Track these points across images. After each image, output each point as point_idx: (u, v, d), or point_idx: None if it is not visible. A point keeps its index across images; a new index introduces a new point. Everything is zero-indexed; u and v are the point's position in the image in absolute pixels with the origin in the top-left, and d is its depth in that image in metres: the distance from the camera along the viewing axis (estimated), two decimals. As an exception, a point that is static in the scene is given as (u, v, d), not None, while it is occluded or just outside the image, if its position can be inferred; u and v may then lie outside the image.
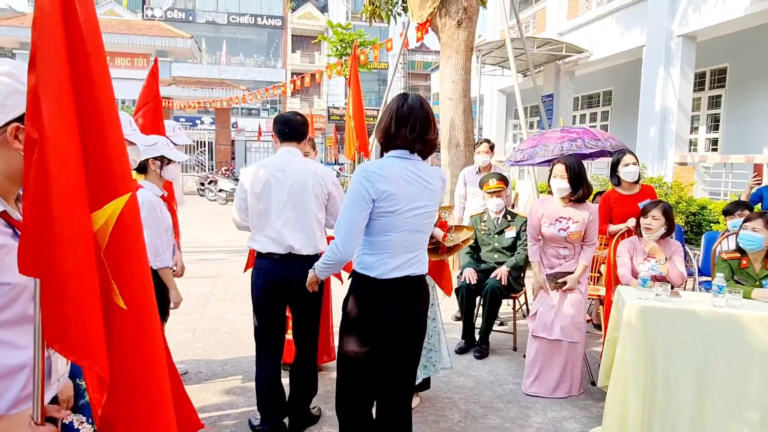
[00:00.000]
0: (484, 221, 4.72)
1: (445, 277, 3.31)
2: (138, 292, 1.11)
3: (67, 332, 1.04)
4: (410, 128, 2.13)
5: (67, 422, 1.84)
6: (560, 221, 3.77)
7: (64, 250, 1.02)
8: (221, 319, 5.21)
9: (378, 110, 32.33)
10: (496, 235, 4.66)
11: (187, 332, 4.77)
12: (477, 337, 4.53)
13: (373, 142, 9.51)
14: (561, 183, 3.66)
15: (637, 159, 4.43)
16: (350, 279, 2.30)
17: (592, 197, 5.93)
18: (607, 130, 13.93)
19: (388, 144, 2.19)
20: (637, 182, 4.46)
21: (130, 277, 1.10)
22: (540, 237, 3.88)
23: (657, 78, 9.35)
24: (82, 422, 1.68)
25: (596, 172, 11.26)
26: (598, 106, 14.67)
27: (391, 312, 2.18)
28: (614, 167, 4.47)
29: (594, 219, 3.78)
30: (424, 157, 2.24)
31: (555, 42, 11.64)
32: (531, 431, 3.19)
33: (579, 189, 3.66)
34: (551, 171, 3.79)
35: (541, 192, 10.66)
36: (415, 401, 3.30)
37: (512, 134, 18.87)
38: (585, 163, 11.80)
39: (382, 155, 2.24)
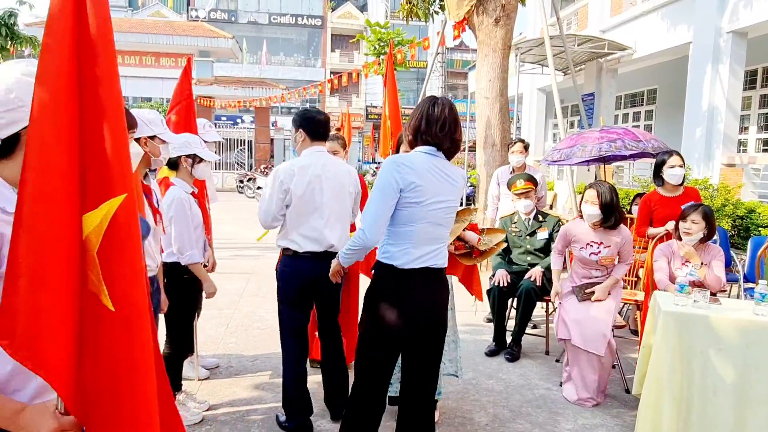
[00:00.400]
0: (515, 223, 4.63)
1: (476, 281, 3.25)
2: (128, 294, 1.10)
3: (14, 331, 1.03)
4: (440, 126, 2.22)
5: None
6: (591, 245, 3.78)
7: (30, 247, 1.04)
8: (254, 315, 5.29)
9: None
10: (527, 237, 4.57)
11: (220, 327, 4.86)
12: (508, 339, 4.47)
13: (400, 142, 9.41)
14: (592, 209, 3.66)
15: (683, 161, 4.28)
16: (373, 270, 2.33)
17: (632, 198, 5.79)
18: (651, 130, 13.52)
19: (417, 140, 2.27)
20: (681, 184, 4.31)
21: (121, 278, 1.10)
22: (566, 251, 3.94)
23: (704, 76, 9.00)
24: None
25: (638, 173, 10.94)
26: (642, 105, 14.24)
27: (410, 300, 2.24)
28: (658, 168, 4.33)
29: (627, 243, 3.78)
30: (449, 156, 2.31)
31: (597, 39, 11.35)
32: (560, 437, 3.12)
33: (610, 217, 3.67)
34: (583, 194, 3.78)
35: (580, 193, 10.43)
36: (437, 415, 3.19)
37: (552, 134, 18.51)
38: (626, 163, 11.44)
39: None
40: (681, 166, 4.27)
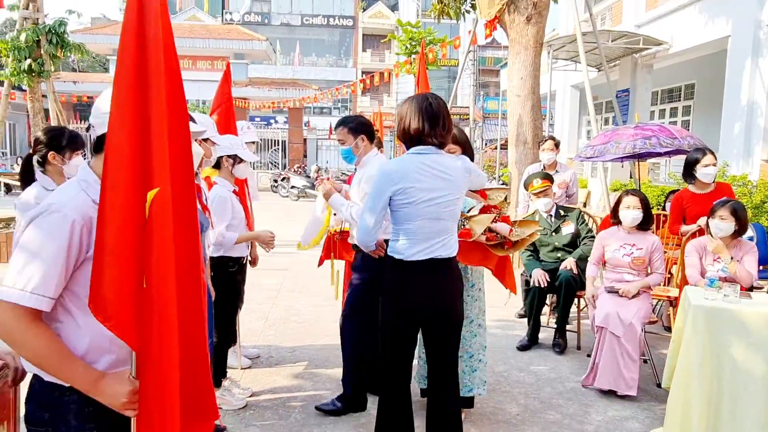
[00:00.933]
0: (538, 221, 4.69)
1: (509, 273, 3.26)
2: (159, 274, 1.27)
3: (100, 297, 1.25)
4: (443, 124, 2.33)
5: None
6: (624, 247, 3.94)
7: (107, 228, 1.24)
8: (291, 309, 5.48)
9: (450, 107, 32.24)
10: (553, 234, 4.63)
11: (259, 320, 5.07)
12: (541, 336, 4.56)
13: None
14: (636, 213, 3.88)
15: (716, 159, 4.28)
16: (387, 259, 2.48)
17: (665, 197, 5.77)
18: (688, 126, 13.25)
19: (417, 143, 2.34)
20: (712, 181, 4.31)
21: (155, 260, 1.27)
22: (602, 262, 4.06)
23: (743, 70, 8.82)
24: None
25: (674, 170, 10.76)
26: (679, 100, 13.95)
27: (418, 288, 2.37)
28: (691, 166, 4.33)
29: (658, 248, 3.93)
30: (444, 147, 2.40)
31: (631, 35, 11.20)
32: (590, 428, 3.19)
33: (649, 219, 3.94)
34: (619, 202, 3.94)
35: (614, 190, 10.32)
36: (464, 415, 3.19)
37: (586, 131, 18.28)
38: (662, 160, 11.22)
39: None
40: (714, 165, 4.27)
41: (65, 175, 2.56)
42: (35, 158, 2.57)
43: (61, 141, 2.55)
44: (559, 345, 4.44)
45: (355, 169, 3.32)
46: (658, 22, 11.69)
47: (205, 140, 2.52)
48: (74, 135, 2.64)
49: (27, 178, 2.57)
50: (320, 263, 3.84)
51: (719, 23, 9.68)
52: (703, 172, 4.24)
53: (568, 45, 11.60)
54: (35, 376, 1.40)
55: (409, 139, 2.37)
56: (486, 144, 28.04)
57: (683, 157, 5.69)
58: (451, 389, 2.52)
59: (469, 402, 3.26)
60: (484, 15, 8.53)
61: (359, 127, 3.12)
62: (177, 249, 1.29)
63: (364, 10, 36.87)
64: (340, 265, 3.82)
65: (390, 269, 2.43)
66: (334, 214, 3.45)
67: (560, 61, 13.54)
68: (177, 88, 1.31)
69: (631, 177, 6.58)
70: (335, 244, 3.66)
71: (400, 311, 2.41)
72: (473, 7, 9.59)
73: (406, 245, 2.35)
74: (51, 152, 2.54)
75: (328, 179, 2.98)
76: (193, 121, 1.89)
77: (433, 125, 2.30)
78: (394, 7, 37.52)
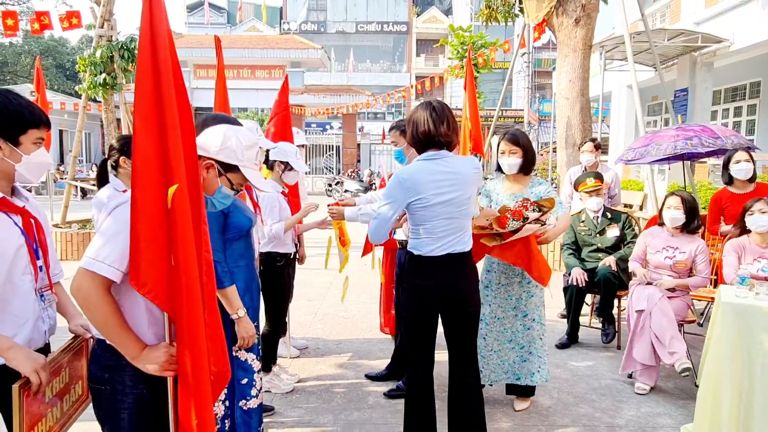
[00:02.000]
0: (583, 221, 4.74)
1: (536, 265, 3.16)
2: (182, 255, 1.54)
3: (138, 271, 1.53)
4: (447, 125, 2.52)
5: (242, 359, 2.45)
6: (667, 249, 3.94)
7: (138, 218, 1.52)
8: (339, 305, 5.75)
9: (502, 110, 31.91)
10: (597, 235, 4.67)
11: (309, 315, 5.37)
12: (581, 335, 4.64)
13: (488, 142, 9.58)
14: (676, 213, 3.87)
15: (751, 157, 4.22)
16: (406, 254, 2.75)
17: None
18: (753, 125, 12.71)
19: (428, 144, 2.54)
20: (752, 181, 4.24)
21: (178, 244, 1.54)
22: (645, 261, 4.08)
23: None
24: (254, 359, 2.45)
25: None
26: (744, 99, 13.38)
27: (436, 280, 2.56)
28: (726, 165, 4.30)
29: (703, 251, 3.90)
30: (452, 148, 2.58)
31: (689, 33, 10.90)
32: (621, 422, 3.27)
33: (693, 221, 3.90)
34: (664, 203, 3.98)
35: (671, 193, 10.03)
36: (526, 404, 3.46)
37: (644, 131, 17.76)
38: (709, 159, 10.75)
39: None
40: (748, 161, 4.21)
41: None
42: (109, 162, 2.93)
43: (131, 147, 2.90)
44: (607, 334, 4.62)
45: None
46: (719, 18, 11.32)
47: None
48: None
49: (102, 179, 2.93)
50: (364, 254, 4.28)
51: (784, 18, 9.30)
52: (736, 168, 4.20)
53: (622, 45, 11.38)
54: (98, 342, 1.70)
55: (419, 141, 2.56)
56: (541, 147, 27.62)
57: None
58: (471, 375, 2.70)
59: (522, 390, 3.43)
60: (532, 18, 8.58)
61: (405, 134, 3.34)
62: (194, 232, 1.56)
63: (418, 15, 37.14)
64: (379, 252, 4.21)
65: (410, 263, 2.65)
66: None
67: (615, 62, 13.31)
68: (184, 103, 1.60)
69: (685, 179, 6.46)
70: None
71: (419, 300, 2.61)
72: (521, 11, 9.63)
73: (424, 243, 2.56)
74: (122, 157, 2.90)
75: (336, 204, 3.19)
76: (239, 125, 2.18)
77: (437, 126, 2.50)
78: (447, 12, 37.62)
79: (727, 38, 10.79)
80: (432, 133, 2.51)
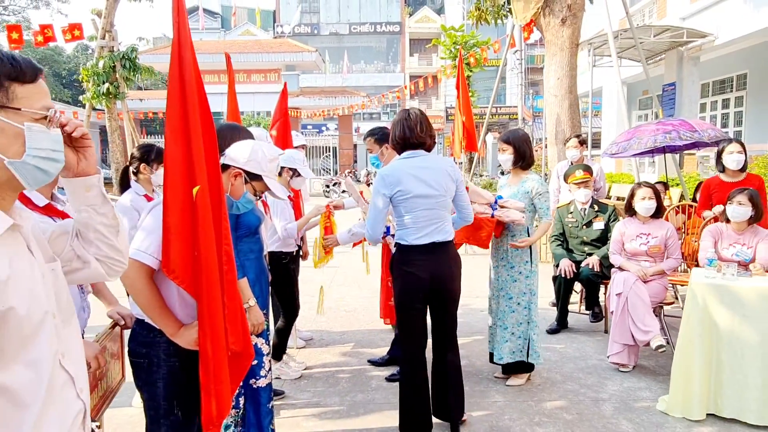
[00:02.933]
0: (571, 213, 5.01)
1: (478, 235, 3.60)
2: (203, 246, 1.79)
3: (169, 259, 1.79)
4: (420, 128, 2.94)
5: (253, 343, 2.73)
6: (641, 237, 4.24)
7: (168, 214, 1.78)
8: (341, 300, 6.04)
9: (496, 107, 32.18)
10: (584, 227, 4.94)
11: (313, 309, 5.62)
12: (570, 321, 4.94)
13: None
14: (650, 204, 4.22)
15: (743, 148, 4.47)
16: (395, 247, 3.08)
17: (694, 188, 5.97)
18: (741, 116, 13.00)
19: (405, 145, 2.96)
20: (743, 170, 4.51)
21: (200, 237, 1.80)
22: (623, 251, 4.34)
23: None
24: (263, 344, 2.69)
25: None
26: (731, 91, 13.68)
27: (422, 265, 2.90)
28: (719, 154, 4.59)
29: (673, 235, 4.23)
30: (431, 149, 3.01)
31: (674, 28, 11.19)
32: (604, 395, 3.55)
33: (660, 208, 4.27)
34: (633, 193, 4.29)
35: (658, 182, 10.32)
36: (521, 380, 3.75)
37: (631, 125, 18.06)
38: (712, 152, 11.14)
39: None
40: (740, 153, 4.48)
41: (152, 183, 3.17)
42: (131, 169, 3.20)
43: (150, 155, 3.16)
44: (595, 315, 4.99)
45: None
46: (703, 13, 11.61)
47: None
48: (160, 150, 3.24)
49: (124, 185, 3.20)
50: (355, 245, 4.36)
51: (765, 12, 9.59)
52: (729, 159, 4.48)
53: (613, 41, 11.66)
54: (136, 322, 1.98)
55: (398, 144, 2.99)
56: (536, 142, 27.90)
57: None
58: (450, 350, 3.05)
59: (506, 367, 3.76)
60: (519, 19, 8.85)
61: (383, 138, 3.63)
62: (215, 227, 1.83)
63: (411, 15, 37.41)
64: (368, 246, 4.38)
65: (398, 254, 3.00)
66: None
67: (605, 58, 13.59)
68: (207, 116, 1.87)
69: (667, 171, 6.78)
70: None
71: (408, 286, 2.93)
72: (510, 11, 9.90)
73: (409, 232, 2.91)
74: (142, 164, 3.16)
75: (327, 207, 3.62)
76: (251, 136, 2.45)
77: (412, 131, 2.92)
78: (439, 11, 37.89)
79: (711, 33, 11.09)
80: (407, 135, 2.93)
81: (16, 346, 0.97)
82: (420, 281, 2.89)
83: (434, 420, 3.09)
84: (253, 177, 2.32)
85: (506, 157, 3.72)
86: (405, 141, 2.94)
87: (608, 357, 4.01)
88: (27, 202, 2.01)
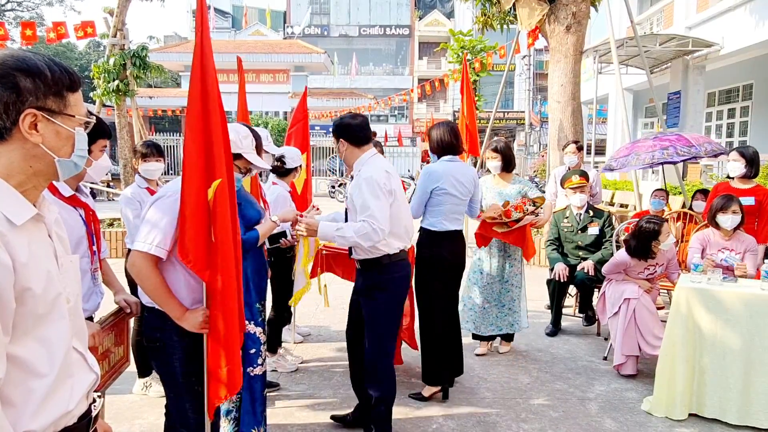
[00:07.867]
0: (567, 217, 5.09)
1: (527, 246, 4.27)
2: (220, 235, 1.94)
3: (184, 247, 1.92)
4: (459, 138, 3.69)
5: (251, 332, 2.84)
6: (648, 269, 4.14)
7: (185, 205, 1.91)
8: (339, 298, 6.10)
9: (503, 112, 32.22)
10: (579, 232, 5.02)
11: (312, 306, 5.76)
12: (564, 323, 5.03)
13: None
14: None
15: (744, 158, 4.49)
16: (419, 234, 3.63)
17: (691, 195, 6.05)
18: (746, 126, 13.04)
19: (445, 150, 3.64)
20: (750, 178, 4.51)
21: (217, 226, 1.93)
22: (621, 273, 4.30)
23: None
24: (261, 333, 2.82)
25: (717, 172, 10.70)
26: (737, 101, 13.71)
27: (446, 249, 3.59)
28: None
29: (674, 258, 4.27)
30: (460, 153, 3.68)
31: (680, 37, 11.25)
32: (591, 395, 3.64)
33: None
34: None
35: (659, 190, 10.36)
36: (506, 348, 4.53)
37: (641, 133, 18.10)
38: (716, 162, 11.06)
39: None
40: (736, 160, 4.54)
41: (142, 174, 3.31)
42: (133, 162, 3.35)
43: (153, 151, 3.34)
44: (589, 318, 5.15)
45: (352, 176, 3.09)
46: (709, 23, 11.67)
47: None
48: (151, 145, 3.38)
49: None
50: (312, 276, 4.07)
51: (770, 23, 9.64)
52: (728, 166, 4.58)
53: (617, 49, 11.73)
54: (147, 309, 2.10)
55: (442, 149, 3.63)
56: (542, 148, 27.94)
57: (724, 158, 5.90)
58: (452, 318, 3.71)
59: (505, 336, 4.52)
60: (524, 26, 8.95)
61: (337, 131, 2.99)
62: (231, 216, 1.96)
63: (420, 18, 37.55)
64: (328, 278, 4.30)
65: (426, 238, 3.61)
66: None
67: (610, 66, 13.64)
68: (223, 117, 2.00)
69: (665, 180, 6.86)
70: (324, 258, 4.21)
71: (435, 262, 3.54)
72: (516, 18, 10.00)
73: (439, 221, 3.57)
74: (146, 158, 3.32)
75: (300, 215, 2.99)
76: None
77: (457, 138, 3.65)
78: (449, 15, 38.00)
79: (717, 42, 11.14)
80: (453, 142, 3.63)
81: (30, 323, 1.06)
82: (444, 257, 3.56)
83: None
84: (234, 157, 2.35)
85: (495, 163, 4.40)
86: (447, 146, 3.61)
87: (614, 367, 4.01)
88: (54, 191, 2.16)
